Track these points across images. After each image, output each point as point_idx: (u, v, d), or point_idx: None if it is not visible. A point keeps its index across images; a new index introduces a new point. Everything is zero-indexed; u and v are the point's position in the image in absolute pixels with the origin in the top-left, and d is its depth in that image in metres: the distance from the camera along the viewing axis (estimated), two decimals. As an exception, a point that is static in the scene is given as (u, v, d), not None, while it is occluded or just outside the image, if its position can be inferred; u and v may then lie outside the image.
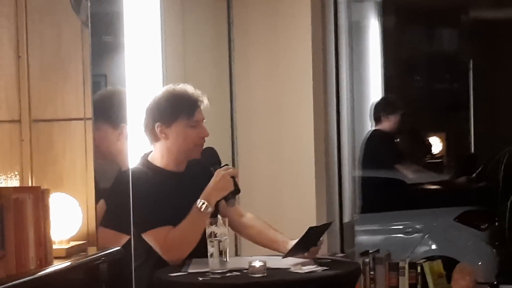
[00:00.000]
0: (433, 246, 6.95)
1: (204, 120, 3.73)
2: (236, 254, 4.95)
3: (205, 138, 3.75)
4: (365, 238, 6.94)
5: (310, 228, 3.53)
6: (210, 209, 3.58)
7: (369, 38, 7.72)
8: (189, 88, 3.72)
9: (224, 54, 5.22)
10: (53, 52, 3.40)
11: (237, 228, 3.90)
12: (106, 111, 3.48)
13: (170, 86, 3.74)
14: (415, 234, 7.03)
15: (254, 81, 5.21)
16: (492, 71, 8.77)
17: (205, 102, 3.72)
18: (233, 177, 3.66)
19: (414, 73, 9.19)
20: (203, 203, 3.57)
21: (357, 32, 7.41)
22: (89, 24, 3.39)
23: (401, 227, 7.09)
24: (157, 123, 3.66)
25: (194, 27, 4.91)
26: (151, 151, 3.77)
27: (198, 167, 3.74)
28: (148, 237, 3.60)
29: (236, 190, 3.68)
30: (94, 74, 3.43)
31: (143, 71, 4.39)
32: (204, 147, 3.78)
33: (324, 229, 3.68)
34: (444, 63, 9.25)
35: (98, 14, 3.56)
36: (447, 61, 9.28)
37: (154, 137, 3.70)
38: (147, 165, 3.71)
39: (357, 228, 6.82)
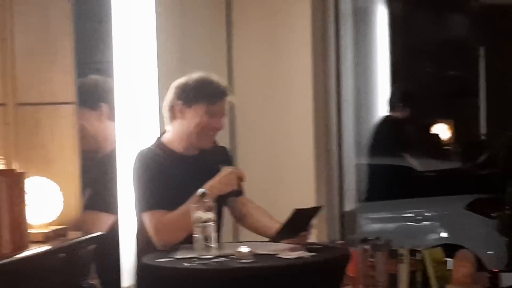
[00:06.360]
0: (443, 234, 6.89)
1: (224, 116, 3.74)
2: (237, 241, 4.91)
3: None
4: (374, 226, 6.91)
5: (296, 210, 3.48)
6: (209, 201, 3.54)
7: (377, 23, 7.65)
8: (221, 80, 3.76)
9: (221, 39, 5.18)
10: (40, 35, 3.37)
11: (237, 218, 3.89)
12: (83, 95, 3.46)
13: (204, 72, 3.76)
14: (425, 222, 6.98)
15: (253, 68, 5.16)
16: (504, 57, 8.65)
17: (231, 100, 3.76)
18: (239, 178, 3.66)
19: (423, 60, 9.10)
20: (204, 193, 3.54)
21: (364, 17, 7.34)
22: (75, 8, 3.37)
23: (411, 215, 7.04)
24: (179, 101, 3.68)
25: (190, 12, 4.86)
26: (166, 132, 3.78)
27: (208, 159, 3.73)
28: (144, 217, 3.58)
29: (239, 192, 3.71)
30: (80, 59, 3.41)
31: (135, 55, 4.35)
32: (218, 144, 3.82)
33: (313, 213, 3.62)
34: (454, 50, 9.15)
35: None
36: (456, 48, 9.18)
37: (172, 115, 3.71)
38: (159, 145, 3.72)
39: (366, 215, 6.80)
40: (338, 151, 5.36)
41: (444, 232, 6.91)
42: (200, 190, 3.54)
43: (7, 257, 2.62)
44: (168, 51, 4.57)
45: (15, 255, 2.66)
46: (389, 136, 7.18)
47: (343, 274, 3.55)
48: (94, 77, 3.57)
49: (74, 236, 3.06)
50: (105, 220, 3.44)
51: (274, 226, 3.64)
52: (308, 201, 4.91)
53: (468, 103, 9.01)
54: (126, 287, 3.84)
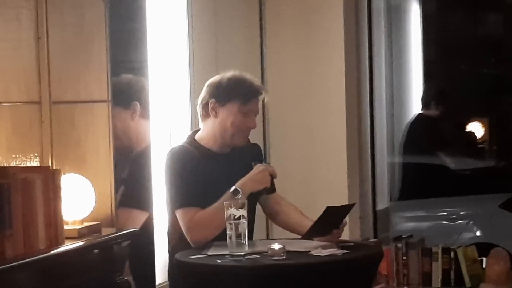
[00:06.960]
0: (477, 233, 6.85)
1: (257, 115, 3.76)
2: (268, 238, 4.93)
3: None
4: (407, 224, 6.89)
5: (328, 208, 3.48)
6: (242, 198, 3.57)
7: (410, 21, 7.62)
8: (255, 79, 3.78)
9: (255, 38, 5.20)
10: (75, 34, 3.40)
11: (270, 215, 3.91)
12: (117, 93, 3.48)
13: (238, 71, 3.78)
14: (460, 221, 6.94)
15: (286, 65, 5.19)
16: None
17: (265, 98, 3.79)
18: (271, 176, 3.67)
19: (457, 57, 9.03)
20: (237, 191, 3.56)
21: (397, 15, 7.32)
22: (109, 7, 3.40)
23: (445, 213, 7.01)
24: (212, 99, 3.70)
25: (224, 11, 4.88)
26: (199, 129, 3.80)
27: (241, 157, 3.75)
28: (177, 214, 3.61)
29: (271, 189, 3.73)
30: (114, 58, 3.43)
31: (169, 54, 4.38)
32: (251, 142, 3.85)
33: (346, 210, 3.63)
34: (488, 47, 9.06)
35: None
36: (491, 45, 9.09)
37: (205, 113, 3.73)
38: (192, 142, 3.75)
39: (399, 214, 6.79)
40: (371, 149, 5.37)
41: (478, 230, 6.86)
42: (233, 188, 3.57)
43: (43, 253, 2.65)
44: (201, 50, 4.60)
45: (50, 251, 2.69)
46: (423, 134, 7.15)
47: (375, 272, 3.54)
48: (127, 76, 3.60)
49: (108, 233, 3.09)
50: (139, 217, 3.47)
51: (306, 223, 3.64)
52: (340, 199, 4.93)
53: (503, 101, 8.91)
54: (160, 283, 3.87)
